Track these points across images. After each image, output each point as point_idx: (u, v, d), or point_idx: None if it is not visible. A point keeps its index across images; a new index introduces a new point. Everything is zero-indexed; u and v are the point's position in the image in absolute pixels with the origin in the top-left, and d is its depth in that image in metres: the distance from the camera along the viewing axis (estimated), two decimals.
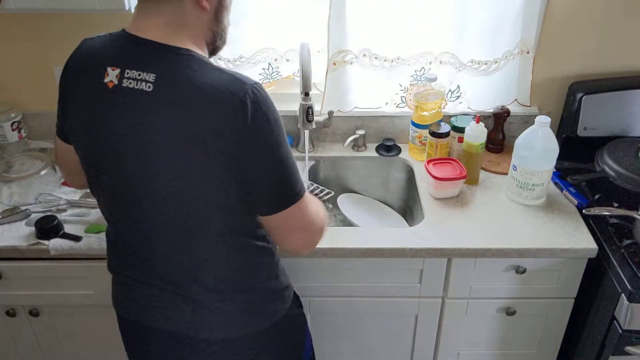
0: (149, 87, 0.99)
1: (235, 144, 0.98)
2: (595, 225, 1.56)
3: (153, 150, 1.00)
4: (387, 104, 1.87)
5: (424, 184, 1.72)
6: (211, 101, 0.97)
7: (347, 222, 1.77)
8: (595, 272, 1.53)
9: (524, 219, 1.59)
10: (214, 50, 1.14)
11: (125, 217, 1.13)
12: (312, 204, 1.13)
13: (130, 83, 1.00)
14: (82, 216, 1.57)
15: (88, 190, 1.67)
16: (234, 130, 0.98)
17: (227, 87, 0.98)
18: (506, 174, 1.71)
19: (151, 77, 0.99)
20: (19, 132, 1.84)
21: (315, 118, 1.70)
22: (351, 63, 1.77)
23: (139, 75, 1.00)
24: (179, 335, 1.18)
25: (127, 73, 1.01)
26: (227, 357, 1.21)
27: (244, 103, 0.97)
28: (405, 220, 1.88)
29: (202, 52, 1.08)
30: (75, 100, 1.09)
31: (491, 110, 1.84)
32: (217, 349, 1.19)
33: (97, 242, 1.48)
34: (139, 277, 1.17)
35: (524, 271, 1.54)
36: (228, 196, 1.04)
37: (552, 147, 1.57)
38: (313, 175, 1.90)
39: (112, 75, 1.02)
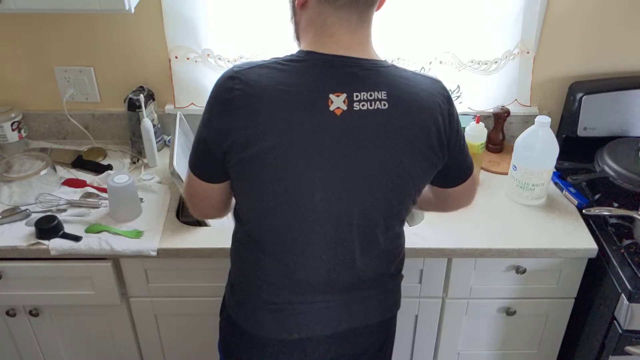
0: (384, 105, 1.00)
1: (448, 134, 1.07)
2: (595, 225, 1.56)
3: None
4: None
5: None
6: (430, 103, 1.03)
7: None
8: (595, 272, 1.53)
9: (524, 219, 1.59)
10: None
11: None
12: None
13: (363, 105, 1.00)
14: (82, 216, 1.57)
15: (88, 190, 1.69)
16: (448, 122, 1.06)
17: (434, 89, 1.05)
18: (506, 174, 1.71)
19: (383, 95, 1.00)
20: (19, 132, 1.84)
21: None
22: None
23: (370, 95, 1.00)
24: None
25: (357, 96, 1.00)
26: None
27: (447, 97, 1.07)
28: (405, 220, 1.87)
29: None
30: (288, 134, 1.00)
31: (491, 110, 1.84)
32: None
33: (97, 242, 1.48)
34: None
35: (524, 271, 1.54)
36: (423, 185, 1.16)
37: (552, 147, 1.57)
38: None
39: (338, 101, 0.99)
